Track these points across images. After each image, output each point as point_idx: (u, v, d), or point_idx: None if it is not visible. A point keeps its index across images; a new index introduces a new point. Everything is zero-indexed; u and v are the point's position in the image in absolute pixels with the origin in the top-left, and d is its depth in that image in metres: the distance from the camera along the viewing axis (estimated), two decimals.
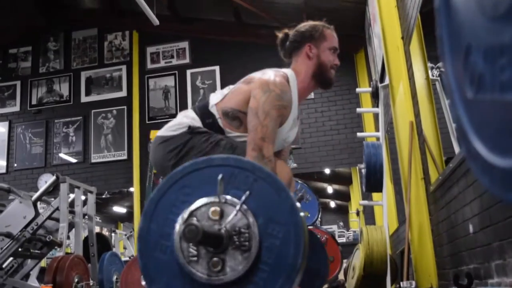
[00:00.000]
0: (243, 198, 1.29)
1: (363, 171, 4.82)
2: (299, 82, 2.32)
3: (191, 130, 2.19)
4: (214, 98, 2.29)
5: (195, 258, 1.29)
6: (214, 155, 1.42)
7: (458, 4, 0.56)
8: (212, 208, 1.30)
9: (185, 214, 1.31)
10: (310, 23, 2.44)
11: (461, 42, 0.55)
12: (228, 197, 1.31)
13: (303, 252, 1.26)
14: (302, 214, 1.32)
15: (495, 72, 0.47)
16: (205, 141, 2.16)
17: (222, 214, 1.30)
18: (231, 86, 2.34)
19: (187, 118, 2.26)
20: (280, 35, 2.46)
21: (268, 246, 1.27)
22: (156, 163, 2.30)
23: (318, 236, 5.05)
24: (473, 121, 0.53)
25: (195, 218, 1.29)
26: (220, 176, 1.30)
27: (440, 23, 0.60)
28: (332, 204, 19.56)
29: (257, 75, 2.24)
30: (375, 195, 7.45)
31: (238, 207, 1.29)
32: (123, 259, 6.48)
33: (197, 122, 2.23)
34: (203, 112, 2.26)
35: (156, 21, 8.56)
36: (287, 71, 2.31)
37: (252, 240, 1.27)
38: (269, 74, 2.22)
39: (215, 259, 1.28)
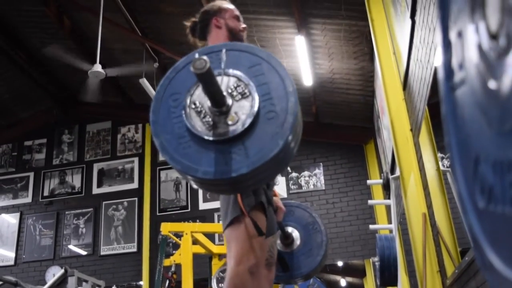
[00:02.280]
0: (223, 59, 1.52)
1: (377, 264, 4.72)
2: None
3: None
4: None
5: (215, 125, 1.44)
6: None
7: (465, 114, 0.58)
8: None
9: (187, 99, 1.51)
10: (208, 4, 2.71)
11: (470, 151, 0.56)
12: (227, 70, 1.51)
13: (286, 72, 1.46)
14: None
15: (505, 186, 0.47)
16: None
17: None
18: None
19: None
20: (188, 23, 2.66)
21: (260, 83, 1.46)
22: None
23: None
24: (486, 230, 0.53)
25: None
26: (224, 50, 1.53)
27: (447, 131, 0.61)
28: None
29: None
30: None
31: (222, 69, 1.50)
32: None
33: None
34: None
35: None
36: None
37: (248, 86, 1.46)
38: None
39: (231, 115, 1.44)
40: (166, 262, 6.92)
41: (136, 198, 10.27)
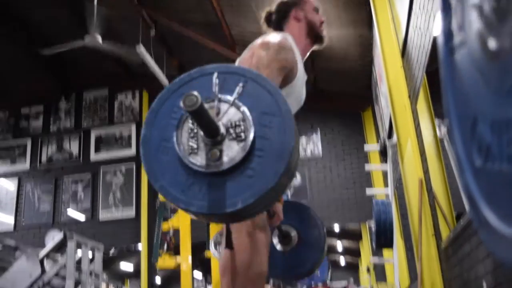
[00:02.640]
0: (236, 91, 1.42)
1: (373, 228, 4.78)
2: (297, 43, 2.41)
3: None
4: None
5: (194, 151, 1.39)
6: (207, 65, 1.52)
7: (464, 76, 0.58)
8: (209, 106, 1.40)
9: (184, 116, 1.43)
10: None
11: (468, 112, 0.57)
12: (224, 96, 1.43)
13: (294, 137, 1.36)
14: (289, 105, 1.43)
15: (502, 145, 0.48)
16: None
17: (218, 112, 1.41)
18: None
19: None
20: (264, 14, 2.56)
21: (262, 135, 1.38)
22: None
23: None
24: (482, 188, 0.54)
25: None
26: (215, 75, 1.44)
27: (446, 93, 0.62)
28: (342, 261, 19.28)
29: (258, 39, 2.31)
30: (385, 252, 7.35)
31: (231, 100, 1.40)
32: None
33: None
34: None
35: (165, 82, 8.74)
36: (285, 33, 2.39)
37: (247, 131, 1.38)
38: (269, 36, 2.30)
39: (213, 150, 1.37)
40: (164, 226, 7.01)
41: (133, 164, 10.30)
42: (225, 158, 1.37)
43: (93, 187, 10.37)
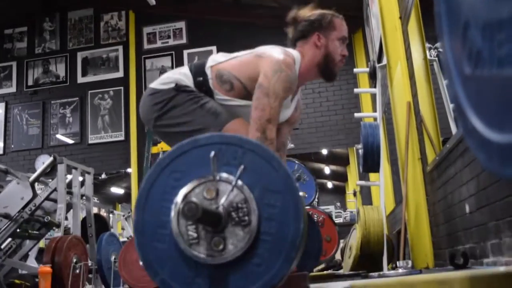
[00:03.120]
0: (238, 173, 1.28)
1: (360, 151, 4.83)
2: (302, 66, 2.32)
3: (177, 87, 2.22)
4: (212, 61, 2.30)
5: (195, 241, 1.27)
6: (198, 135, 1.37)
7: None
8: (207, 188, 1.29)
9: (179, 197, 1.29)
10: (320, 11, 2.41)
11: (459, 18, 0.54)
12: (222, 174, 1.29)
13: (303, 219, 1.25)
14: (296, 182, 1.33)
15: (493, 47, 0.47)
16: (189, 100, 2.20)
17: (217, 193, 1.29)
18: (235, 54, 2.34)
19: (178, 74, 2.28)
20: (288, 18, 2.43)
21: (267, 217, 1.26)
22: (142, 114, 2.34)
23: (315, 215, 5.08)
24: (470, 97, 0.53)
25: (193, 198, 1.27)
26: (212, 154, 1.29)
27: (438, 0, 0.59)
28: (329, 184, 19.66)
29: (268, 51, 2.22)
30: (372, 176, 7.47)
31: (233, 183, 1.28)
32: (121, 239, 6.51)
33: (187, 79, 2.25)
34: (197, 70, 2.28)
35: (152, 1, 8.51)
36: (294, 53, 2.30)
37: (251, 214, 1.26)
38: (279, 52, 2.21)
39: (216, 238, 1.26)
40: (154, 149, 7.04)
41: (122, 87, 10.20)
42: (230, 247, 1.25)
43: (81, 110, 10.31)
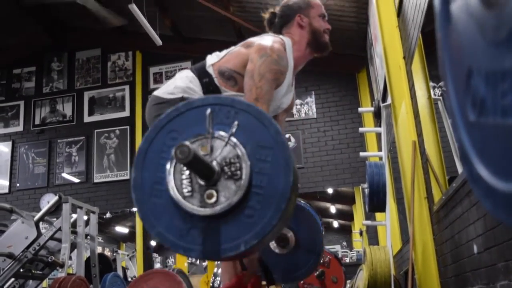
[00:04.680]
0: (232, 130, 1.35)
1: (366, 191, 4.81)
2: (295, 50, 2.37)
3: (182, 99, 2.20)
4: (211, 59, 2.33)
5: (190, 193, 1.33)
6: (194, 98, 1.48)
7: (459, 26, 0.56)
8: (202, 144, 1.36)
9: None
10: None
11: (462, 65, 0.55)
12: (216, 132, 1.36)
13: (293, 172, 1.30)
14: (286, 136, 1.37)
15: (497, 97, 0.47)
16: None
17: (212, 149, 1.35)
18: (229, 49, 2.38)
19: (184, 80, 2.28)
20: (266, 15, 2.53)
21: (259, 171, 1.32)
22: (148, 123, 2.33)
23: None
24: (475, 144, 0.53)
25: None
26: (208, 111, 1.37)
27: (441, 45, 0.60)
28: (335, 224, 19.49)
29: (256, 40, 2.28)
30: (378, 215, 7.42)
31: (226, 139, 1.34)
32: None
33: (194, 83, 2.26)
34: (200, 72, 2.30)
35: (159, 42, 8.64)
36: (284, 38, 2.36)
37: (243, 169, 1.32)
38: (268, 39, 2.26)
39: (208, 191, 1.32)
40: None
41: (127, 126, 10.27)
42: (222, 199, 1.31)
43: (87, 149, 10.36)
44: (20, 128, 10.85)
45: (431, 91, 4.38)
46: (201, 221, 1.33)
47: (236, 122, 1.36)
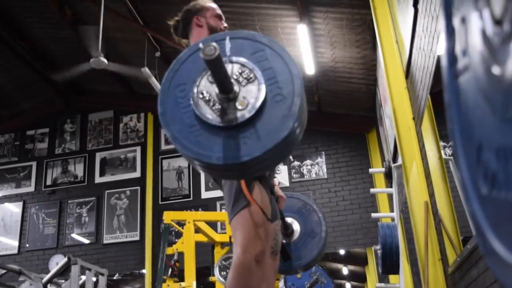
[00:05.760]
0: (227, 48, 1.52)
1: (379, 252, 4.74)
2: None
3: None
4: None
5: (211, 103, 1.47)
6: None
7: (468, 101, 0.58)
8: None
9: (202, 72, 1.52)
10: (192, 2, 2.69)
11: (473, 138, 0.56)
12: (235, 57, 1.52)
13: (301, 96, 1.47)
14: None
15: (508, 172, 0.47)
16: None
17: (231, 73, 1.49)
18: None
19: None
20: (171, 22, 2.69)
21: (266, 68, 1.48)
22: None
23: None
24: (489, 217, 0.53)
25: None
26: (227, 38, 1.54)
27: (450, 118, 0.61)
28: (348, 286, 19.08)
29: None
30: (392, 277, 7.27)
31: (227, 59, 1.50)
32: None
33: None
34: None
35: None
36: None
37: (254, 71, 1.48)
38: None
39: (239, 98, 1.46)
40: (169, 250, 6.95)
41: (138, 187, 10.29)
42: (251, 100, 1.44)
43: (98, 210, 10.36)
44: (31, 188, 10.90)
45: (442, 150, 4.38)
46: (218, 131, 1.45)
47: (227, 38, 1.54)
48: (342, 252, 12.30)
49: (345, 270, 16.85)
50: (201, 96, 1.48)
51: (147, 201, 10.03)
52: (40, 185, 10.88)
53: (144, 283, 9.87)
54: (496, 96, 0.48)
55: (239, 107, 1.43)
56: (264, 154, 1.40)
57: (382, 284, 6.28)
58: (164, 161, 10.40)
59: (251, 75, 1.47)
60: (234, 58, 1.50)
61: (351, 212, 9.29)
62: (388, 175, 5.34)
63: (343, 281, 18.48)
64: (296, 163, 9.73)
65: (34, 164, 11.10)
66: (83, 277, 5.43)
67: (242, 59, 1.50)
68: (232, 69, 1.48)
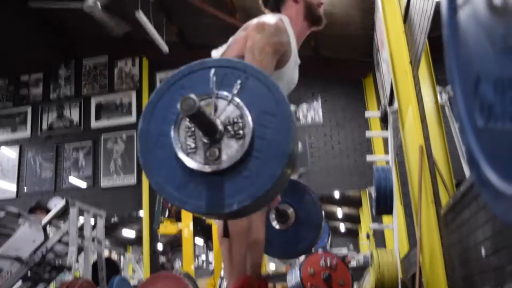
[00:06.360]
0: (234, 90, 1.38)
1: (373, 194, 4.81)
2: (293, 25, 2.38)
3: None
4: (216, 53, 2.37)
5: (193, 150, 1.37)
6: (208, 58, 1.52)
7: (467, 35, 0.58)
8: (206, 102, 1.38)
9: (181, 114, 1.39)
10: None
11: (471, 72, 0.56)
12: (221, 92, 1.40)
13: (293, 140, 1.35)
14: (292, 107, 1.40)
15: (505, 103, 0.48)
16: None
17: (216, 108, 1.38)
18: (231, 38, 2.40)
19: None
20: None
21: (260, 135, 1.36)
22: None
23: (328, 259, 5.02)
24: (483, 148, 0.54)
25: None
26: (212, 71, 1.40)
27: (449, 53, 0.61)
28: (342, 227, 19.46)
29: (254, 20, 2.29)
30: (385, 218, 7.41)
31: (230, 97, 1.38)
32: (132, 283, 6.46)
33: None
34: None
35: (165, 48, 8.68)
36: (281, 15, 2.37)
37: (245, 128, 1.36)
38: (264, 17, 2.29)
39: (212, 149, 1.35)
40: None
41: (134, 131, 10.31)
42: (224, 157, 1.35)
43: (94, 154, 10.41)
44: (27, 133, 10.91)
45: (438, 95, 4.38)
46: (200, 177, 1.36)
47: (239, 81, 1.40)
48: (337, 194, 12.47)
49: (339, 212, 17.15)
50: (183, 140, 1.39)
51: None
52: (36, 130, 10.89)
53: (141, 225, 10.04)
54: (496, 28, 0.48)
55: (224, 151, 1.36)
56: (253, 202, 1.34)
57: (376, 225, 6.40)
58: None
59: (241, 132, 1.36)
60: (238, 102, 1.38)
61: (346, 156, 9.37)
62: (383, 119, 5.36)
63: (337, 223, 18.84)
64: (292, 107, 9.71)
65: (29, 109, 11.08)
66: (81, 219, 5.50)
67: (246, 112, 1.37)
68: (230, 114, 1.38)
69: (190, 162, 1.36)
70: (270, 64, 2.14)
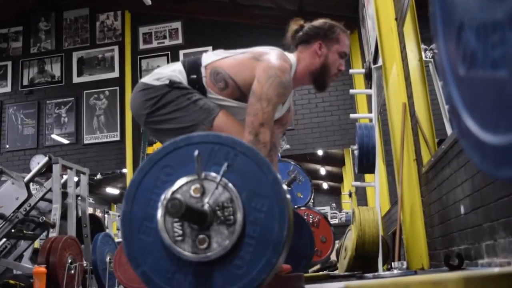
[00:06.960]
0: (221, 172, 1.29)
1: (356, 152, 4.83)
2: (297, 71, 2.33)
3: (171, 84, 2.21)
4: (207, 58, 2.29)
5: (180, 238, 1.28)
6: (194, 133, 1.39)
7: None
8: (193, 186, 1.29)
9: (167, 194, 1.30)
10: (329, 21, 2.43)
11: (454, 19, 0.55)
12: (209, 173, 1.30)
13: (288, 225, 1.25)
14: (285, 187, 1.31)
15: (487, 49, 0.47)
16: (181, 96, 2.19)
17: (203, 191, 1.29)
18: (230, 51, 2.34)
19: (172, 70, 2.27)
20: (295, 26, 2.45)
21: (252, 220, 1.26)
22: (133, 109, 2.33)
23: (310, 216, 5.08)
24: (464, 98, 0.53)
25: (178, 195, 1.28)
26: (196, 153, 1.28)
27: (433, 0, 0.59)
28: (325, 185, 19.66)
29: (265, 55, 2.22)
30: (367, 176, 7.48)
31: (218, 180, 1.28)
32: (116, 240, 6.50)
33: (181, 76, 2.24)
34: (191, 67, 2.27)
35: (148, 1, 8.50)
36: (291, 58, 2.32)
37: (236, 214, 1.26)
38: (276, 56, 2.22)
39: (200, 236, 1.27)
40: (149, 150, 7.05)
41: (117, 87, 10.19)
42: (214, 245, 1.26)
43: (77, 110, 10.30)
44: (8, 89, 10.74)
45: (423, 53, 4.36)
46: (189, 266, 1.28)
47: (226, 164, 1.29)
48: (320, 153, 12.54)
49: (322, 171, 17.28)
50: (169, 226, 1.29)
51: (126, 101, 9.94)
52: (16, 85, 10.71)
53: (125, 182, 10.05)
54: None
55: (214, 238, 1.27)
56: None
57: (358, 183, 6.46)
58: (143, 61, 10.24)
59: (231, 217, 1.27)
60: (229, 185, 1.28)
61: (330, 114, 9.38)
62: (368, 76, 5.33)
63: (320, 181, 19.02)
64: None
65: (9, 63, 10.87)
66: (65, 177, 5.48)
67: (235, 193, 1.28)
68: (219, 197, 1.29)
69: (178, 251, 1.27)
70: (273, 115, 2.15)
